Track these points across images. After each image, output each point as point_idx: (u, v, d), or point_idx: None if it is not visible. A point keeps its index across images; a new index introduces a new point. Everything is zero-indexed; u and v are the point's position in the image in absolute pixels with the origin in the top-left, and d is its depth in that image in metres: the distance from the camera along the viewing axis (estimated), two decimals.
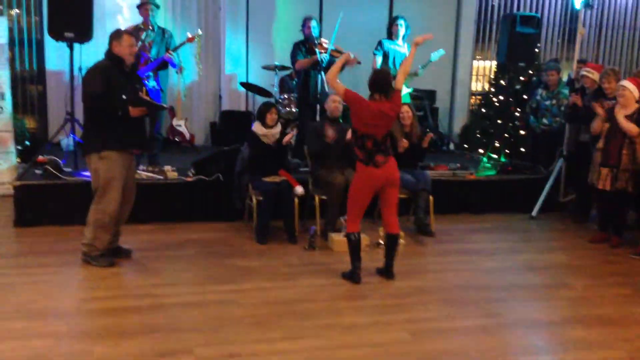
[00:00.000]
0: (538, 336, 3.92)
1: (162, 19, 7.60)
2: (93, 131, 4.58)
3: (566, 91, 6.92)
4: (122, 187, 4.61)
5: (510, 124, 8.09)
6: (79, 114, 6.78)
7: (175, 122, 7.89)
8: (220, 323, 3.84)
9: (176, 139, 7.85)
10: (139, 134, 4.73)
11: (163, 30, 6.69)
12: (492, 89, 8.76)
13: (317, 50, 6.73)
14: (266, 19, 8.55)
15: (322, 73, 6.83)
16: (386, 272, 4.67)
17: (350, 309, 4.13)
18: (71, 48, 6.28)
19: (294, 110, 7.43)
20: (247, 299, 4.23)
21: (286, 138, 5.66)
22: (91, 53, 7.00)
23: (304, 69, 6.86)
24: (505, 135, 7.98)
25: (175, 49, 6.60)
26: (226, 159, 6.09)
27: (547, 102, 7.02)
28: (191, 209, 6.01)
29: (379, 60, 6.96)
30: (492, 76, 9.10)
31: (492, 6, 9.63)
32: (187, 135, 7.93)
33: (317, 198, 5.72)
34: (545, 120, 7.04)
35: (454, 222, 6.33)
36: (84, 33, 6.22)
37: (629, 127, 5.32)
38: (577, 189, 6.54)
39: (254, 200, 5.59)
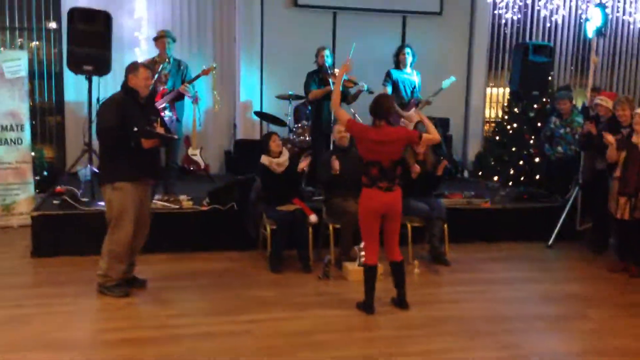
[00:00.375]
0: None
1: (178, 50, 7.74)
2: (108, 162, 4.66)
3: (580, 119, 6.91)
4: (136, 218, 4.66)
5: (525, 152, 8.07)
6: (97, 145, 6.92)
7: (190, 151, 7.97)
8: (235, 354, 3.83)
9: (191, 168, 7.92)
10: (153, 165, 4.79)
11: (179, 62, 6.81)
12: (506, 117, 8.77)
13: (330, 80, 6.80)
14: (280, 48, 8.68)
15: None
16: (399, 302, 4.63)
17: (364, 340, 4.10)
18: (90, 80, 6.42)
19: (307, 139, 7.48)
20: (261, 329, 4.22)
21: (301, 165, 5.68)
22: (109, 85, 7.16)
23: (317, 99, 6.93)
24: (520, 163, 7.95)
25: (191, 81, 6.71)
26: (241, 188, 6.13)
27: (561, 130, 7.01)
28: (206, 239, 6.04)
29: (389, 90, 7.01)
30: (505, 104, 9.12)
31: (505, 34, 9.69)
32: (202, 165, 8.00)
33: (331, 227, 5.72)
34: (560, 148, 7.02)
35: (469, 251, 6.29)
36: (102, 66, 6.36)
37: None
38: (594, 217, 6.48)
39: (268, 229, 5.61)
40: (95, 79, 6.51)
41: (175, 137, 4.98)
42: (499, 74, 9.90)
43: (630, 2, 9.89)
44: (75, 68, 6.39)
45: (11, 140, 6.69)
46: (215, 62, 7.39)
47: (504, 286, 5.31)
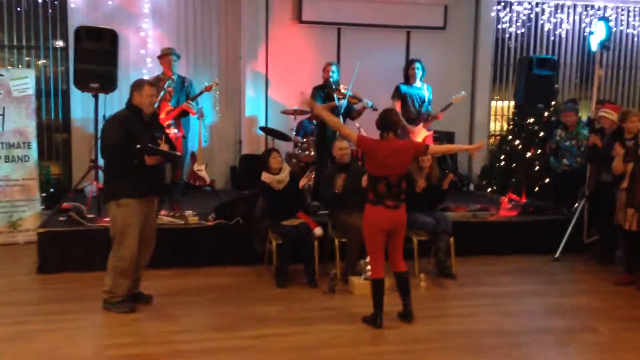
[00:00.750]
0: None
1: (184, 67, 7.82)
2: (112, 179, 4.69)
3: (585, 131, 6.91)
4: (140, 234, 4.68)
5: (530, 165, 8.06)
6: (103, 160, 6.96)
7: (196, 166, 8.01)
8: None
9: (197, 183, 7.95)
10: (157, 182, 4.81)
11: (183, 79, 6.88)
12: (511, 130, 8.77)
13: (335, 95, 6.83)
14: (285, 64, 8.75)
15: (340, 118, 6.91)
16: (405, 313, 4.60)
17: (371, 355, 4.08)
18: (96, 98, 6.48)
19: (312, 153, 7.50)
20: (267, 345, 4.20)
21: (302, 182, 5.69)
22: (115, 102, 7.23)
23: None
24: (526, 175, 7.94)
25: (194, 98, 6.76)
26: (246, 203, 6.15)
27: (567, 143, 7.01)
28: (212, 254, 6.04)
29: (398, 105, 7.04)
30: (510, 117, 9.12)
31: (509, 48, 9.73)
32: (208, 180, 8.02)
33: (336, 241, 5.71)
34: (565, 161, 7.01)
35: (475, 264, 6.26)
36: (109, 83, 6.42)
37: None
38: (600, 229, 6.45)
39: (274, 244, 5.61)
40: (101, 96, 6.57)
41: (179, 154, 5.01)
42: (503, 88, 9.92)
43: (634, 15, 9.92)
44: (82, 86, 6.45)
45: (18, 157, 6.74)
46: (220, 79, 7.45)
47: (510, 299, 5.28)
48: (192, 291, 5.29)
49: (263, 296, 5.23)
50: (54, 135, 8.59)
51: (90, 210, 6.27)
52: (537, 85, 7.42)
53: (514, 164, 8.41)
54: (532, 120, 8.25)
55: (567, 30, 9.74)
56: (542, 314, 4.97)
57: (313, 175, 7.22)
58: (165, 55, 6.86)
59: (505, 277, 5.97)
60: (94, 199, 6.50)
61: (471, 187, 9.08)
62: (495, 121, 9.99)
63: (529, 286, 5.69)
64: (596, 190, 6.42)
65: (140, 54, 8.27)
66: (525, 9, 9.60)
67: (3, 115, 6.68)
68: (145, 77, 7.41)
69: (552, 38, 9.73)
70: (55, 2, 8.27)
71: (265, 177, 5.69)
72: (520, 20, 9.61)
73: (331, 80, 6.88)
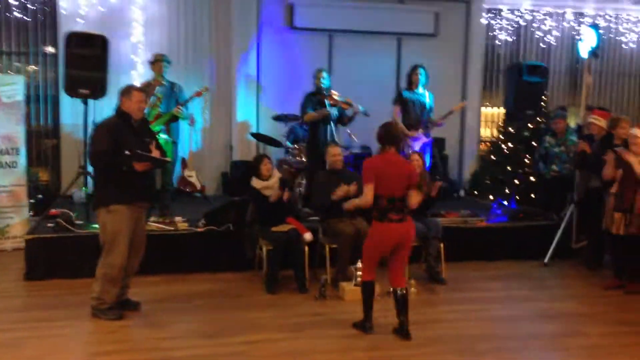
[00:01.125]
0: None
1: (174, 72, 7.80)
2: (102, 185, 4.67)
3: (574, 138, 6.95)
4: (130, 241, 4.65)
5: (520, 171, 8.10)
6: (92, 168, 6.93)
7: (186, 172, 7.99)
8: None
9: (187, 189, 7.92)
10: (147, 188, 4.79)
11: (172, 85, 6.87)
12: (501, 136, 8.82)
13: (327, 101, 6.85)
14: (277, 70, 8.76)
15: (332, 124, 6.94)
16: (401, 331, 4.43)
17: None
18: (86, 104, 6.45)
19: (303, 159, 7.50)
20: (257, 351, 4.19)
21: (285, 196, 5.64)
22: (105, 107, 7.20)
23: (313, 121, 6.95)
24: (515, 181, 7.97)
25: (184, 103, 6.75)
26: (237, 209, 6.13)
27: (556, 149, 7.05)
28: (202, 260, 6.02)
29: (398, 110, 7.06)
30: (500, 123, 9.17)
31: (499, 55, 9.78)
32: (198, 186, 8.00)
33: (327, 247, 5.71)
34: (554, 167, 7.05)
35: (465, 270, 6.26)
36: (99, 89, 6.40)
37: None
38: (589, 234, 6.48)
39: (264, 250, 5.60)
40: (91, 102, 6.55)
41: (168, 159, 4.99)
42: (493, 94, 9.98)
43: (623, 23, 10.00)
44: (72, 91, 6.43)
45: (6, 163, 6.70)
46: (211, 84, 7.44)
47: (500, 305, 5.29)
48: (181, 298, 5.26)
49: (253, 302, 5.21)
50: (43, 141, 8.54)
51: (78, 216, 6.23)
52: (527, 92, 7.47)
53: (504, 170, 8.44)
54: (522, 126, 8.29)
55: (557, 38, 9.81)
56: (531, 318, 4.99)
57: (303, 182, 7.24)
58: (157, 62, 6.85)
59: (495, 282, 5.98)
60: (83, 205, 6.46)
61: (461, 193, 9.11)
62: (485, 127, 10.03)
63: (518, 291, 5.70)
64: (585, 196, 6.46)
65: (131, 59, 8.25)
66: (515, 16, 9.67)
67: None
68: (136, 83, 7.38)
69: (542, 45, 9.80)
70: (46, 8, 8.25)
71: (255, 182, 5.69)
72: (510, 28, 9.67)
73: (322, 86, 6.89)
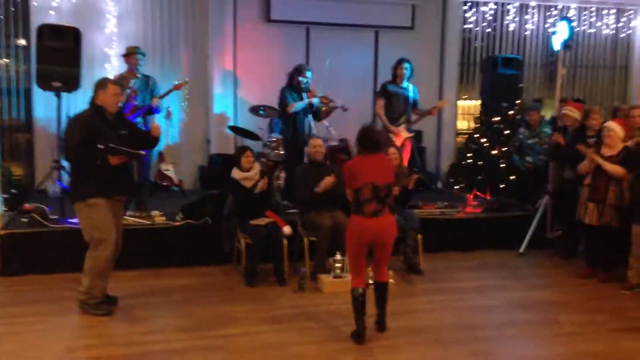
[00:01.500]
0: None
1: (150, 65, 7.72)
2: (79, 180, 4.60)
3: (547, 129, 7.06)
4: (116, 232, 4.61)
5: (496, 162, 8.19)
6: (66, 162, 6.84)
7: (163, 166, 7.91)
8: None
9: (164, 183, 7.86)
10: (125, 181, 4.75)
11: (147, 78, 6.80)
12: (477, 128, 8.90)
13: (304, 95, 6.87)
14: (254, 63, 8.71)
15: (311, 116, 6.96)
16: (379, 323, 4.40)
17: (339, 352, 4.09)
18: (59, 97, 6.36)
19: (281, 152, 7.50)
20: (235, 344, 4.19)
21: (258, 188, 5.65)
22: (79, 101, 7.10)
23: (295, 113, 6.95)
24: (492, 173, 8.06)
25: (162, 96, 6.69)
26: (215, 203, 6.11)
27: (530, 141, 7.15)
28: (179, 254, 5.99)
29: (382, 103, 7.08)
30: (477, 115, 9.25)
31: (475, 48, 9.86)
32: (176, 180, 7.94)
33: (306, 240, 5.72)
34: (529, 159, 7.15)
35: (442, 260, 6.33)
36: (72, 82, 6.32)
37: (616, 170, 5.43)
38: (563, 225, 6.59)
39: (243, 244, 5.58)
40: (64, 95, 6.45)
41: (143, 153, 4.93)
42: (470, 87, 10.06)
43: (596, 16, 10.14)
44: (44, 85, 6.33)
45: None
46: (187, 77, 7.36)
47: (476, 294, 5.36)
48: (159, 292, 5.23)
49: (232, 296, 5.21)
50: (16, 135, 8.39)
51: (53, 211, 6.14)
52: (502, 84, 7.56)
53: (481, 162, 8.53)
54: (497, 118, 8.38)
55: (531, 30, 9.92)
56: (507, 307, 5.06)
57: (282, 175, 7.23)
58: (131, 54, 6.77)
59: (472, 272, 6.05)
60: (58, 199, 6.37)
61: (439, 184, 9.18)
62: (462, 120, 10.11)
63: (494, 281, 5.78)
64: (559, 187, 6.56)
65: (105, 52, 8.13)
66: (490, 9, 9.74)
67: None
68: (110, 76, 7.28)
69: (516, 38, 9.90)
70: (17, 0, 8.08)
71: (235, 173, 5.66)
72: (486, 20, 9.75)
73: (303, 85, 6.88)
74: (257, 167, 5.76)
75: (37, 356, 3.95)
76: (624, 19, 10.22)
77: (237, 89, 8.76)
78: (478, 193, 7.62)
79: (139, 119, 6.57)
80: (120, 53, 7.54)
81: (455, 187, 8.87)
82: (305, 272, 5.47)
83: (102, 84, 4.63)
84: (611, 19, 10.14)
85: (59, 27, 6.45)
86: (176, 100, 7.92)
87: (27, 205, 6.20)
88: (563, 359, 4.06)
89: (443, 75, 9.64)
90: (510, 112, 8.26)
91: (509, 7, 9.80)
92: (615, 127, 5.52)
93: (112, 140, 4.48)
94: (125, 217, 5.65)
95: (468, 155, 8.86)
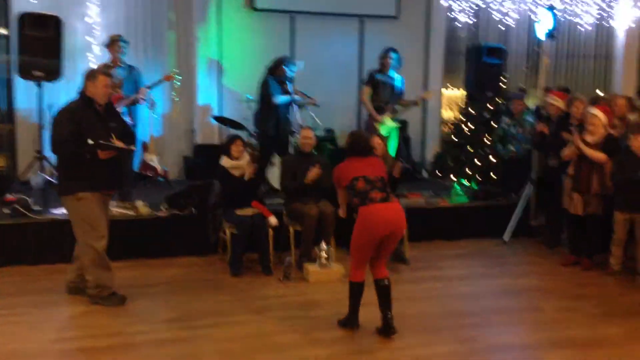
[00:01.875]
0: None
1: (133, 55, 7.63)
2: (67, 173, 4.52)
3: (530, 118, 7.10)
4: (105, 223, 4.58)
5: (481, 151, 8.23)
6: (48, 152, 6.75)
7: (147, 156, 7.85)
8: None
9: (149, 174, 7.79)
10: (114, 175, 4.67)
11: (131, 68, 6.73)
12: (462, 118, 8.93)
13: (290, 86, 6.92)
14: (239, 52, 8.64)
15: (296, 107, 6.98)
16: (385, 328, 4.10)
17: (326, 341, 4.10)
18: (40, 86, 6.27)
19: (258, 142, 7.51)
20: (221, 333, 4.19)
21: (248, 172, 5.65)
22: (61, 91, 7.01)
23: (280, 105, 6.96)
24: (476, 162, 8.11)
25: (150, 87, 6.63)
26: (199, 193, 6.08)
27: (513, 130, 7.19)
28: (164, 245, 5.95)
29: (368, 91, 7.08)
30: (461, 105, 9.28)
31: (460, 37, 9.87)
32: (160, 170, 7.88)
33: (291, 229, 5.72)
34: (512, 148, 7.20)
35: (428, 249, 6.37)
36: (53, 72, 6.25)
37: (597, 156, 5.47)
38: (547, 212, 6.65)
39: (228, 234, 5.57)
40: (46, 84, 6.36)
41: (133, 148, 4.86)
42: (454, 76, 10.07)
43: (580, 5, 10.18)
44: (25, 74, 6.26)
45: None
46: (171, 67, 7.31)
47: (461, 282, 5.40)
48: (144, 283, 5.21)
49: (217, 285, 5.20)
50: None
51: (36, 202, 6.07)
52: (487, 74, 7.59)
53: (465, 151, 8.56)
54: (482, 108, 8.41)
55: (515, 20, 9.94)
56: (492, 295, 5.11)
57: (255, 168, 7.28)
58: (114, 42, 6.69)
59: (457, 260, 6.09)
60: (40, 190, 6.30)
61: (424, 174, 9.21)
62: (447, 109, 10.13)
63: (479, 269, 5.83)
64: (543, 175, 6.61)
65: (86, 41, 8.01)
66: None
67: None
68: (92, 65, 7.20)
69: (501, 27, 9.91)
70: None
71: (224, 161, 5.64)
72: (470, 10, 9.75)
73: (288, 76, 6.90)
74: (246, 156, 5.74)
75: (22, 348, 3.92)
76: (607, 9, 10.28)
77: (222, 78, 8.70)
78: (463, 182, 7.67)
79: (123, 109, 6.51)
80: (102, 42, 7.45)
81: (441, 177, 8.91)
82: (290, 261, 5.47)
83: (91, 75, 4.53)
84: (594, 9, 10.19)
85: (40, 16, 6.36)
86: (159, 90, 7.85)
87: (9, 197, 6.11)
88: (546, 344, 4.10)
89: (428, 64, 9.64)
90: (495, 101, 8.30)
91: None
92: (598, 114, 5.56)
93: (101, 132, 4.41)
94: (109, 208, 5.60)
95: (453, 144, 8.89)
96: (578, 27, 10.23)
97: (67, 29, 6.73)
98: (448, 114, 10.08)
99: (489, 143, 8.22)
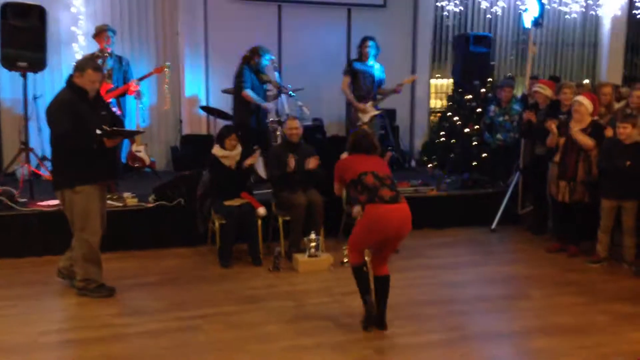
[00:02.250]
0: (501, 347, 3.98)
1: (119, 45, 7.55)
2: (64, 166, 4.47)
3: (517, 107, 7.13)
4: (101, 217, 4.57)
5: (468, 140, 8.26)
6: (34, 143, 6.69)
7: (134, 147, 7.78)
8: (184, 351, 3.78)
9: (136, 164, 7.74)
10: (110, 165, 4.67)
11: (120, 58, 6.67)
12: (450, 107, 8.95)
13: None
14: (225, 42, 8.57)
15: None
16: (378, 320, 4.07)
17: (315, 330, 4.11)
18: (25, 77, 6.20)
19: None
20: (211, 324, 4.18)
21: (247, 161, 5.66)
22: (46, 81, 6.93)
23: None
24: (464, 151, 8.13)
25: (141, 79, 6.58)
26: (187, 184, 6.05)
27: (500, 118, 7.22)
28: (153, 236, 5.92)
29: (348, 80, 7.07)
30: (449, 94, 9.30)
31: (447, 26, 9.86)
32: (147, 161, 7.83)
33: (280, 219, 5.72)
34: (499, 136, 7.23)
35: (416, 238, 6.31)
36: (38, 62, 6.16)
37: (585, 141, 5.50)
38: (534, 201, 6.69)
39: (217, 224, 5.55)
40: (30, 75, 6.28)
41: (142, 130, 4.80)
42: (442, 66, 10.08)
43: None
44: (9, 65, 6.17)
45: None
46: (157, 57, 7.25)
47: (450, 270, 5.44)
48: (132, 274, 5.19)
49: (207, 276, 5.19)
50: None
51: (21, 194, 6.02)
52: (474, 62, 7.59)
53: (453, 140, 8.59)
54: (470, 96, 8.44)
55: (502, 8, 9.94)
56: (479, 282, 5.15)
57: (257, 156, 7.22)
58: (101, 32, 6.62)
59: (445, 249, 6.13)
60: (26, 182, 6.24)
61: (412, 163, 9.24)
62: (435, 99, 10.15)
63: (467, 257, 5.87)
64: (530, 163, 6.64)
65: (71, 31, 7.92)
66: None
67: None
68: (78, 56, 7.12)
69: (488, 16, 9.92)
70: None
71: (217, 150, 5.61)
72: None
73: (261, 66, 6.94)
74: (239, 148, 5.72)
75: (9, 340, 3.89)
76: None
77: (209, 68, 8.64)
78: (451, 171, 7.70)
79: (112, 100, 6.46)
80: (87, 32, 7.37)
81: (429, 165, 8.94)
82: (280, 251, 5.47)
83: (80, 68, 4.45)
84: None
85: (24, 5, 6.25)
86: (147, 81, 7.77)
87: None
88: (534, 331, 4.13)
89: (415, 53, 9.64)
90: (482, 90, 8.32)
91: None
92: (584, 101, 5.59)
93: (97, 121, 4.38)
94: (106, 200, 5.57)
95: (441, 133, 8.92)
96: (565, 15, 10.27)
97: (52, 19, 6.63)
98: (436, 103, 10.11)
99: (476, 132, 8.25)
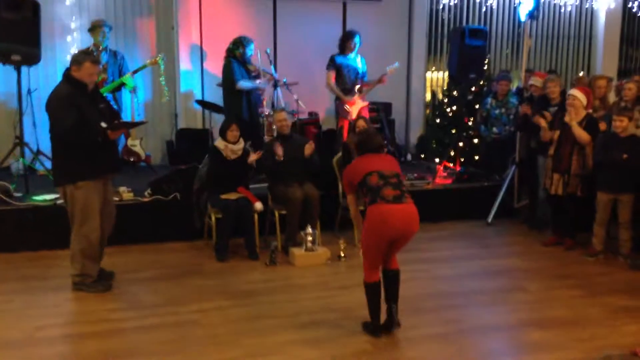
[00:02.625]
0: (496, 340, 3.99)
1: (113, 39, 7.50)
2: (66, 162, 4.46)
3: (514, 100, 7.13)
4: (100, 211, 4.55)
5: (464, 133, 8.27)
6: (28, 138, 6.66)
7: (130, 142, 7.75)
8: (181, 345, 3.78)
9: (131, 159, 7.71)
10: (112, 159, 4.67)
11: (115, 53, 6.64)
12: (446, 100, 8.95)
13: (251, 70, 6.95)
14: (221, 36, 8.52)
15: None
16: (390, 322, 3.94)
17: (311, 324, 4.12)
18: (18, 71, 6.16)
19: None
20: (207, 318, 4.18)
21: (252, 157, 5.64)
22: (40, 75, 6.88)
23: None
24: (460, 144, 8.14)
25: (136, 71, 6.54)
26: (183, 178, 6.04)
27: (497, 111, 7.22)
28: (149, 230, 5.91)
29: (333, 75, 7.06)
30: (445, 87, 9.29)
31: (443, 20, 9.85)
32: (143, 155, 7.80)
33: (276, 213, 5.71)
34: (495, 129, 7.23)
35: None
36: (31, 56, 6.11)
37: (582, 135, 5.51)
38: (530, 194, 6.71)
39: (213, 218, 5.54)
40: (24, 69, 6.24)
41: (145, 120, 4.78)
42: (438, 59, 10.07)
43: None
44: (3, 58, 6.12)
45: None
46: (152, 51, 7.20)
47: (446, 264, 5.45)
48: (129, 269, 5.18)
49: (203, 270, 5.19)
50: None
51: (16, 188, 5.99)
52: (470, 56, 7.56)
53: (449, 134, 8.60)
54: (465, 90, 8.43)
55: (497, 1, 9.93)
56: (476, 276, 5.16)
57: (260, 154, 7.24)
58: (97, 27, 6.58)
59: (441, 242, 6.14)
60: (21, 176, 6.21)
61: (408, 157, 9.24)
62: (431, 92, 10.15)
63: (463, 250, 5.88)
64: (526, 157, 6.65)
65: (65, 24, 7.87)
66: None
67: None
68: (72, 49, 7.08)
69: (483, 9, 9.91)
70: None
71: (219, 142, 5.62)
72: None
73: (246, 57, 6.94)
74: (241, 142, 5.70)
75: (5, 335, 3.88)
76: None
77: (205, 62, 8.60)
78: (447, 164, 7.70)
79: (108, 95, 6.43)
80: (81, 25, 7.32)
81: (425, 159, 8.95)
82: (276, 245, 5.47)
83: (77, 61, 4.42)
84: None
85: None
86: (142, 75, 7.74)
87: None
88: (529, 324, 4.15)
89: (411, 47, 9.63)
90: (478, 83, 8.32)
91: None
92: (578, 95, 5.59)
93: (97, 115, 4.38)
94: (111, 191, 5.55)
95: (437, 127, 8.91)
96: (560, 8, 10.26)
97: (45, 12, 6.57)
98: (432, 96, 10.11)
99: (472, 125, 8.26)
